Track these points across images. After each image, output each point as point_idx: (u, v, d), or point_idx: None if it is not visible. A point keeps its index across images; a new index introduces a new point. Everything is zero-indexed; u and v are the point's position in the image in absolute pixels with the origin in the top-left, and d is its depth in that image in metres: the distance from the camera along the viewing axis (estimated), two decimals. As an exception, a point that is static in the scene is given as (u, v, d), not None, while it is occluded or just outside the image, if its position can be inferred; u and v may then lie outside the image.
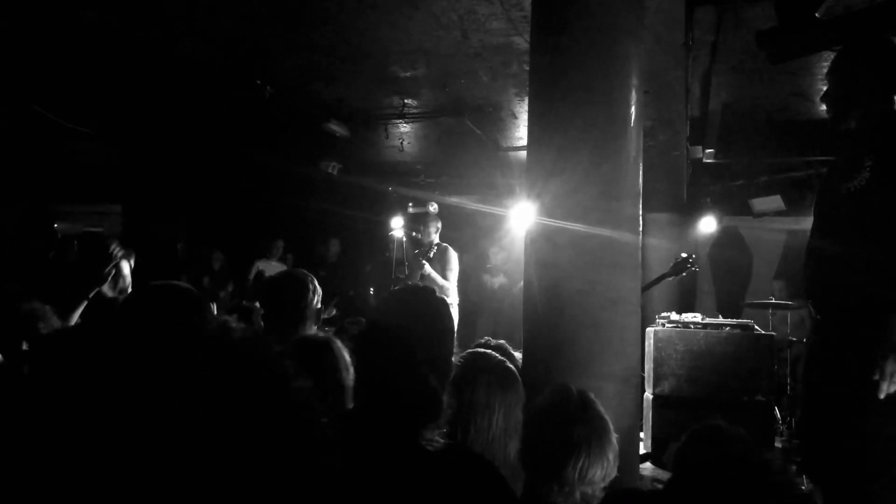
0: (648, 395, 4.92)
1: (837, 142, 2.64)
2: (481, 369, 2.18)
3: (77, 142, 7.58)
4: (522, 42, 4.63)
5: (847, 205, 2.43)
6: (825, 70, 2.63)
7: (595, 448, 1.85)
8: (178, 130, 7.77)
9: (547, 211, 2.67)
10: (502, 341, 2.96)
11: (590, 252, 2.58)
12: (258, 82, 5.92)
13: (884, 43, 2.45)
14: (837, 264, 2.48)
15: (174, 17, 4.78)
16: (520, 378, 2.25)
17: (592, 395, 1.97)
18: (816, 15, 2.14)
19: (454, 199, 9.29)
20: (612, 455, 1.87)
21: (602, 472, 1.85)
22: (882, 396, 2.23)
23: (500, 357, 2.37)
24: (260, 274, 7.86)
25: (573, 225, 2.56)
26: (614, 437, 1.89)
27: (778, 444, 5.09)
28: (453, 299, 6.73)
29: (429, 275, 6.42)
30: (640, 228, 2.72)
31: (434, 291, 1.77)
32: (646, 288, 4.17)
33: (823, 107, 2.63)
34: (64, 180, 9.08)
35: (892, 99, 2.46)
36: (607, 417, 1.91)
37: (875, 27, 2.21)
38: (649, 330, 4.95)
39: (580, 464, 1.81)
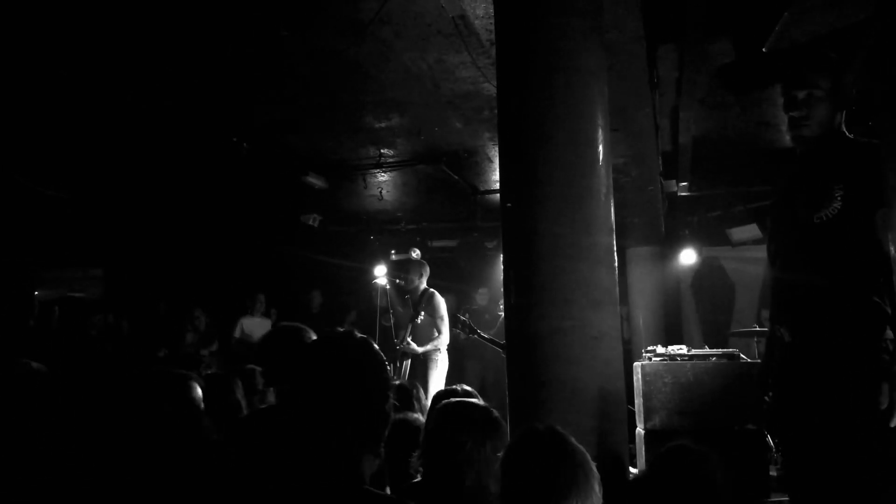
0: (640, 430, 4.88)
1: (789, 167, 2.59)
2: (467, 419, 2.22)
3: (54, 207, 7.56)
4: (492, 88, 4.71)
5: (820, 234, 2.36)
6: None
7: (583, 486, 1.83)
8: (157, 191, 7.78)
9: (523, 251, 2.69)
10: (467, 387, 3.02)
11: (567, 289, 2.60)
12: (234, 139, 5.96)
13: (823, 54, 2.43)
14: (812, 294, 2.40)
15: (145, 78, 4.83)
16: (503, 423, 2.27)
17: (560, 429, 1.95)
18: (763, 49, 2.21)
19: (436, 244, 9.33)
20: (597, 486, 1.85)
21: None
22: (894, 424, 2.16)
23: (483, 405, 2.39)
24: None
25: (548, 263, 2.59)
26: (593, 464, 1.88)
27: (773, 473, 5.02)
28: (443, 343, 6.68)
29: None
30: (616, 264, 2.74)
31: (364, 343, 1.65)
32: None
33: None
34: (43, 245, 9.01)
35: (839, 119, 2.42)
36: (582, 448, 1.89)
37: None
38: (636, 365, 4.92)
39: None
